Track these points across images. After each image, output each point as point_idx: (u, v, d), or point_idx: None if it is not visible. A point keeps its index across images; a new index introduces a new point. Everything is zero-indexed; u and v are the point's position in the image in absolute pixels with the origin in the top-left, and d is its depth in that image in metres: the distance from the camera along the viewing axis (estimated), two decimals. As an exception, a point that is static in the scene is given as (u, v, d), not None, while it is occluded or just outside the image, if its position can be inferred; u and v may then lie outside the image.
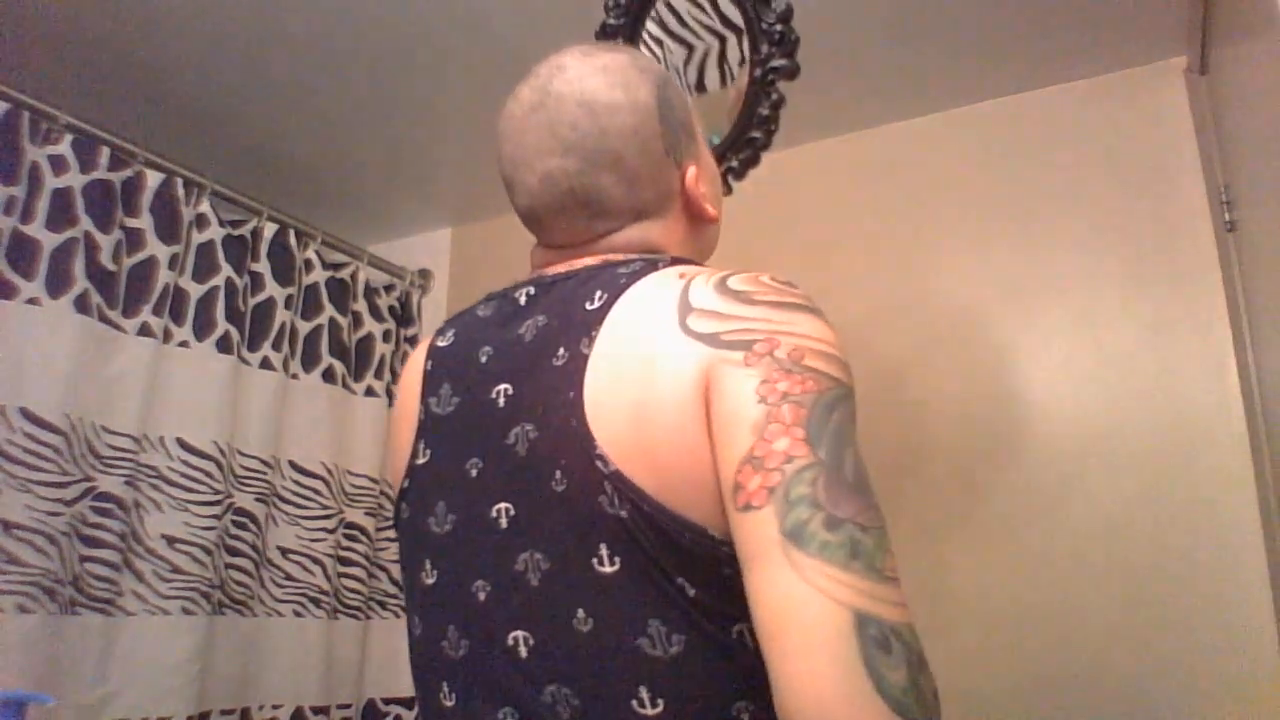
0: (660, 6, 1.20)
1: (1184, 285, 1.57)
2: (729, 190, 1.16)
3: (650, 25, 1.19)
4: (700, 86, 1.18)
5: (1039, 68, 1.73)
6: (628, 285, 0.70)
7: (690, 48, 1.18)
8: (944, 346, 1.74)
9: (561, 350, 0.69)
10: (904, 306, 1.79)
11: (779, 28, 1.09)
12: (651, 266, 0.72)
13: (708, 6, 1.16)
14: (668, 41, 1.19)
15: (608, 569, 0.64)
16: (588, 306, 0.70)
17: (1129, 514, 1.52)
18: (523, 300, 0.77)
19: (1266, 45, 1.07)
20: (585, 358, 0.67)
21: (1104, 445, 1.56)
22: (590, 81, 0.76)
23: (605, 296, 0.70)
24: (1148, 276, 1.60)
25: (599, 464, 0.64)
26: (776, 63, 1.09)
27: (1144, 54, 1.67)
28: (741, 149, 1.14)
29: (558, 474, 0.66)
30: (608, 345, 0.67)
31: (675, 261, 0.74)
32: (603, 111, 0.75)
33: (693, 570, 0.64)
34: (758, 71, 1.11)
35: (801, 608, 0.54)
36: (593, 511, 0.65)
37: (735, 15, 1.13)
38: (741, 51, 1.14)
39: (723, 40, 1.16)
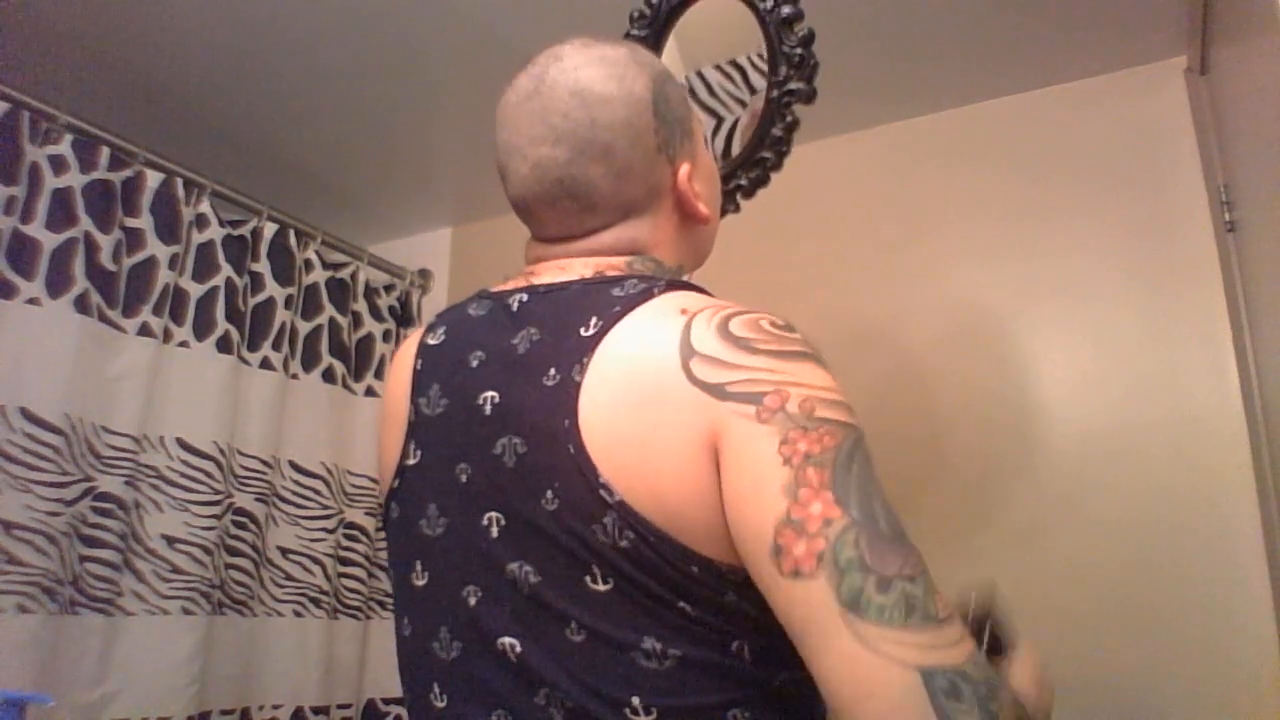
0: (691, 76, 1.20)
1: (1184, 285, 1.57)
2: (736, 208, 1.16)
3: None
4: (727, 154, 1.18)
5: (1039, 68, 1.72)
6: (623, 314, 0.69)
7: (719, 118, 1.19)
8: (939, 348, 1.73)
9: (553, 371, 0.69)
10: (899, 308, 1.79)
11: (800, 51, 1.10)
12: (647, 294, 0.70)
13: (737, 78, 1.17)
14: (698, 112, 1.20)
15: (600, 587, 0.65)
16: (582, 332, 0.69)
17: (1128, 514, 1.52)
18: (515, 307, 0.76)
19: (1266, 45, 1.07)
20: (577, 385, 0.67)
21: (1104, 445, 1.56)
22: (585, 71, 0.76)
23: (599, 324, 0.69)
24: (1147, 277, 1.60)
25: (603, 494, 0.64)
26: (794, 85, 1.09)
27: (1144, 54, 1.67)
28: (752, 168, 1.15)
29: (549, 494, 0.66)
30: (603, 375, 0.66)
31: (672, 286, 0.72)
32: (595, 102, 0.75)
33: (695, 594, 0.64)
34: (774, 93, 1.10)
35: (870, 676, 0.57)
36: (584, 536, 0.65)
37: (762, 84, 1.14)
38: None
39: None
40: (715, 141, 1.19)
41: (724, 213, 1.11)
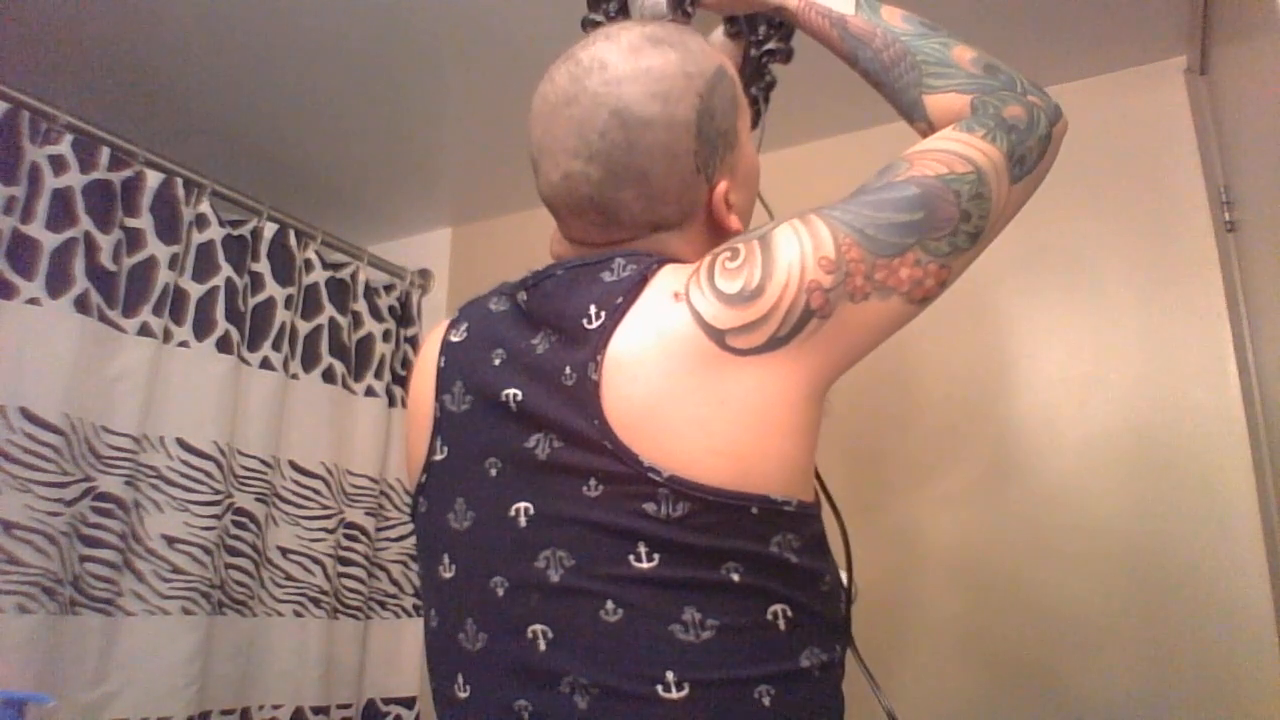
0: None
1: (1184, 285, 1.57)
2: None
3: None
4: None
5: (1039, 68, 1.72)
6: (626, 306, 0.70)
7: None
8: (939, 347, 1.73)
9: (569, 370, 0.70)
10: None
11: None
12: (642, 281, 0.71)
13: None
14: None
15: (645, 565, 0.66)
16: (586, 325, 0.70)
17: (1127, 513, 1.52)
18: (523, 303, 0.77)
19: (1266, 45, 1.08)
20: (595, 384, 0.68)
21: (1103, 445, 1.56)
22: (629, 88, 0.73)
23: (602, 316, 0.70)
24: (1147, 277, 1.60)
25: (651, 475, 0.66)
26: (772, 45, 1.08)
27: (1144, 54, 1.67)
28: None
29: (592, 481, 0.68)
30: (631, 375, 0.68)
31: (661, 264, 0.73)
32: (635, 125, 0.73)
33: (742, 551, 0.66)
34: (753, 52, 1.10)
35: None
36: (633, 516, 0.66)
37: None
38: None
39: None
40: None
41: None
